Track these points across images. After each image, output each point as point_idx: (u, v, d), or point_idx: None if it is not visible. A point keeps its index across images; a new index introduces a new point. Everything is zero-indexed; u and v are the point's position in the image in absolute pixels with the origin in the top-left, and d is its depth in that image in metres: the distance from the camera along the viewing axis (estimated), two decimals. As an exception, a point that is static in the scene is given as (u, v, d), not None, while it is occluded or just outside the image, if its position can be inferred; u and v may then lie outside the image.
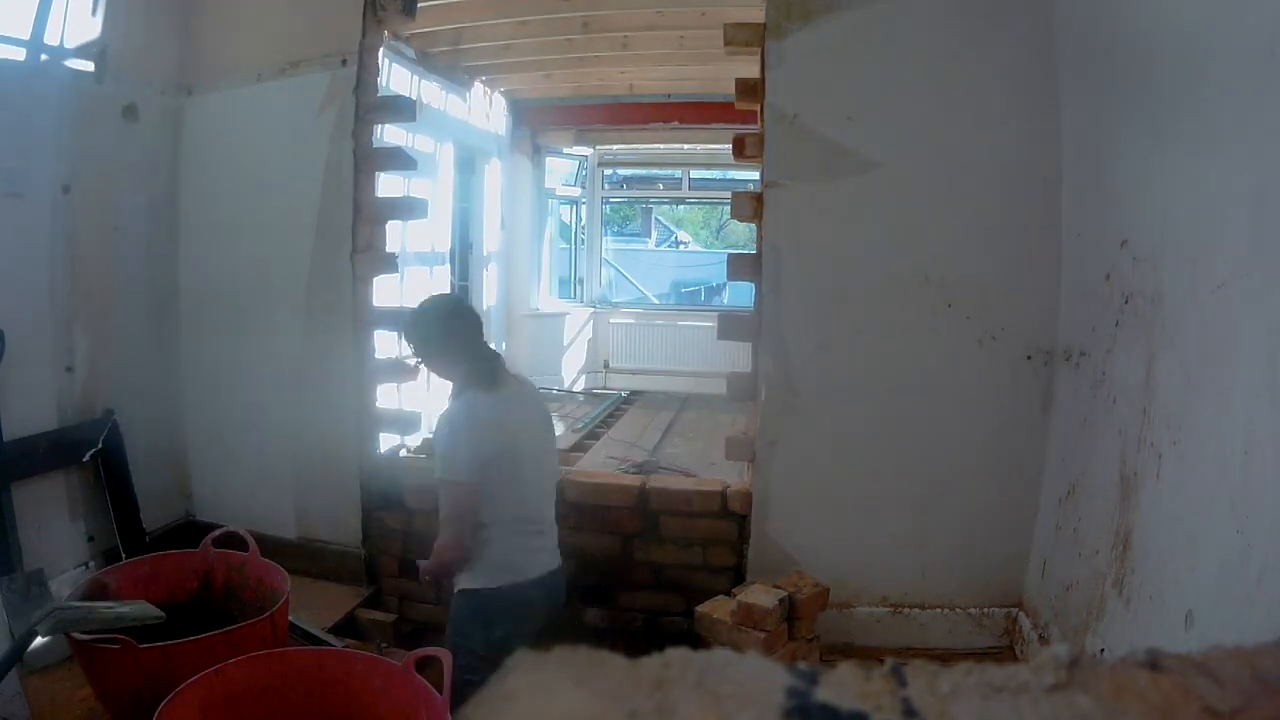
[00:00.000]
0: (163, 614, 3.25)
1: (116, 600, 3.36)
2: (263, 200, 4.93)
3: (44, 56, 4.32)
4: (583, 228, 13.24)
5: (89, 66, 4.55)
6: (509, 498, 3.15)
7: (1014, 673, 0.43)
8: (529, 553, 3.23)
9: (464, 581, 3.18)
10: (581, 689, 0.42)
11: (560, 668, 0.44)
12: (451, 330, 3.24)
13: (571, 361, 12.00)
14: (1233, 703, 0.40)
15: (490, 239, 10.42)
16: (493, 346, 3.35)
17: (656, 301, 15.03)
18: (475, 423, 3.12)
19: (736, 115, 5.08)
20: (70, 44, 4.43)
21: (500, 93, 10.32)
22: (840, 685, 0.42)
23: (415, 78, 8.02)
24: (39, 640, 3.08)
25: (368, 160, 4.70)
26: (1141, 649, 0.44)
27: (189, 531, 5.12)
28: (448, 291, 3.54)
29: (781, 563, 4.27)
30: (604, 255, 13.73)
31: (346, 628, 4.45)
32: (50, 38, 4.32)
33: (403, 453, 5.24)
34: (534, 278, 11.69)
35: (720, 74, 8.89)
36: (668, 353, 12.26)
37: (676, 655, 0.46)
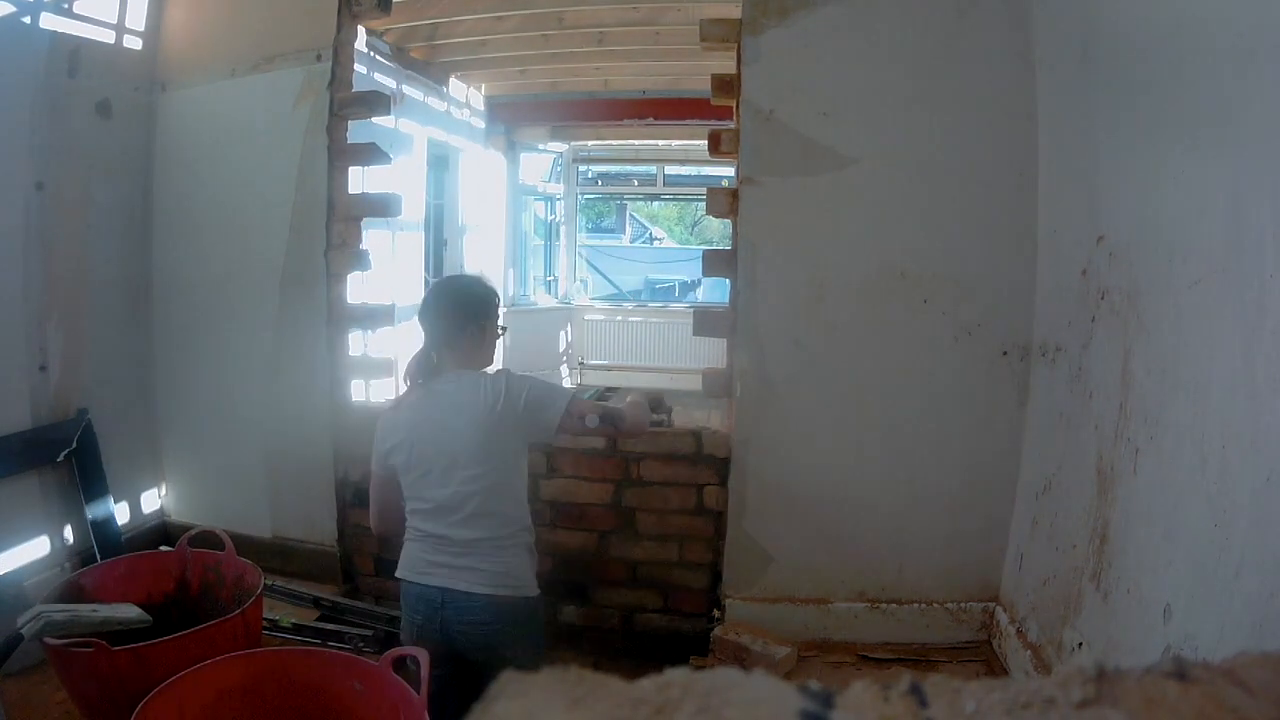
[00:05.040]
0: (149, 617, 3.23)
1: (93, 602, 3.33)
2: (237, 197, 4.89)
3: (27, 18, 4.29)
4: (557, 224, 13.23)
5: (85, 30, 4.56)
6: (408, 497, 3.03)
7: (1039, 688, 0.41)
8: (414, 556, 3.04)
9: None
10: (575, 713, 0.40)
11: (549, 692, 0.42)
12: (420, 312, 3.13)
13: (549, 358, 12.00)
14: (1267, 712, 0.39)
15: (465, 235, 10.38)
16: (455, 357, 3.10)
17: (631, 298, 15.03)
18: (384, 419, 3.10)
19: (711, 111, 5.08)
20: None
21: (475, 88, 10.29)
22: (858, 708, 0.40)
23: (391, 73, 7.98)
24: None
25: (342, 156, 4.66)
26: (1169, 658, 0.43)
27: (164, 531, 5.10)
28: (472, 273, 3.34)
29: (758, 559, 4.27)
30: (579, 251, 13.72)
31: (323, 628, 4.42)
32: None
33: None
34: (520, 274, 11.72)
35: (695, 70, 8.92)
36: (642, 349, 12.28)
37: (678, 676, 0.44)
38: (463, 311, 3.07)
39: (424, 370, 3.08)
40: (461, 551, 2.95)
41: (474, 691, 2.57)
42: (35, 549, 4.30)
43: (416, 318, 3.11)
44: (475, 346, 3.09)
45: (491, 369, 3.11)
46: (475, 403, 2.93)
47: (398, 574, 3.07)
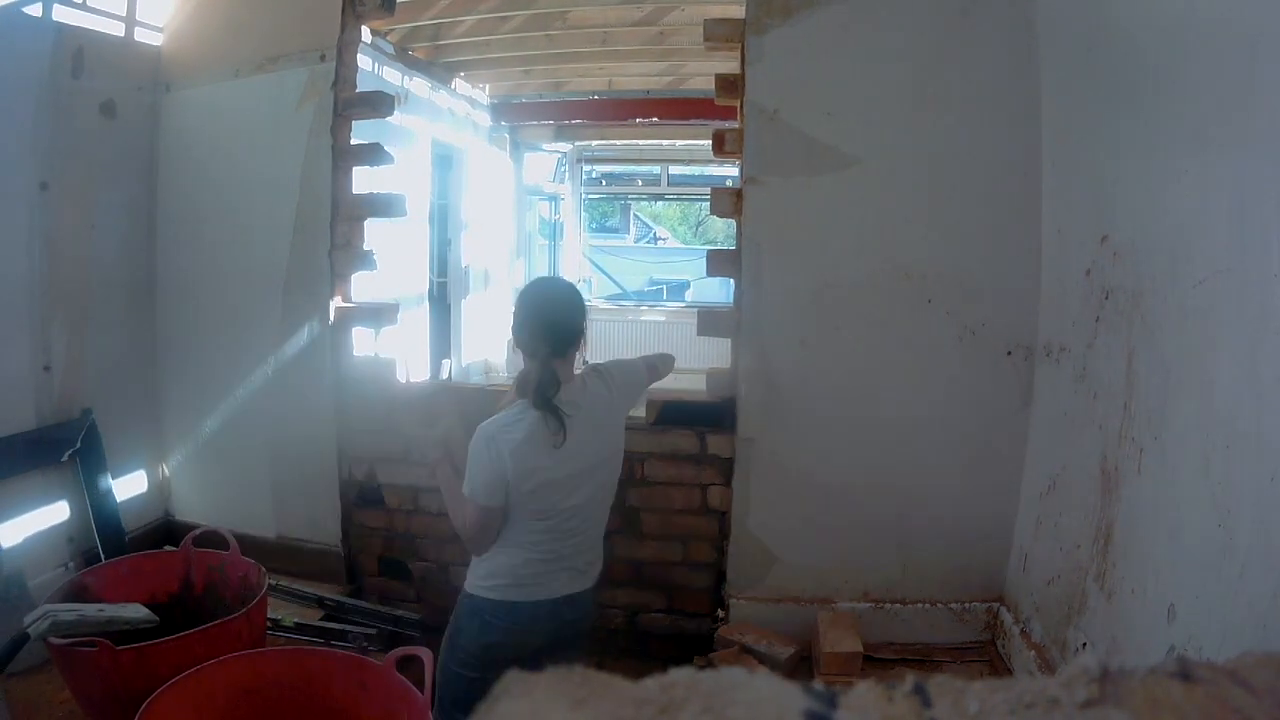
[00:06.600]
0: (155, 617, 3.23)
1: (98, 601, 3.33)
2: (241, 197, 4.89)
3: (32, 10, 4.31)
4: (561, 224, 13.24)
5: (94, 21, 4.62)
6: (525, 517, 2.87)
7: (1044, 688, 0.41)
8: (540, 574, 2.92)
9: (469, 583, 2.97)
10: (579, 712, 0.40)
11: (554, 691, 0.42)
12: (532, 323, 2.92)
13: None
14: (1271, 712, 0.39)
15: (469, 235, 10.38)
16: (571, 365, 3.00)
17: (634, 298, 15.05)
18: (496, 446, 2.80)
19: (715, 111, 5.07)
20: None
21: (479, 88, 10.30)
22: (862, 708, 0.40)
23: (395, 73, 7.98)
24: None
25: (345, 156, 4.66)
26: (1173, 658, 0.43)
27: (168, 531, 5.10)
28: (561, 276, 3.24)
29: (762, 559, 4.27)
30: (583, 251, 13.73)
31: (327, 627, 4.43)
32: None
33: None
34: (526, 273, 11.75)
35: (700, 70, 8.93)
36: (647, 348, 12.25)
37: (682, 676, 0.44)
38: (583, 320, 3.05)
39: (539, 386, 2.85)
40: (582, 549, 3.03)
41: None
42: (40, 548, 4.31)
43: (528, 327, 2.92)
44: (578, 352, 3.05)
45: (578, 372, 3.08)
46: (606, 412, 3.06)
47: (495, 595, 2.91)
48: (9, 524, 4.14)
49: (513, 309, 3.01)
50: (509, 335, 3.10)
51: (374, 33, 6.96)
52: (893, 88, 4.05)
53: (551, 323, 2.90)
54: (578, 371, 3.05)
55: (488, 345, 10.99)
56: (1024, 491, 4.08)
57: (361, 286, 4.90)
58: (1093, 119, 3.42)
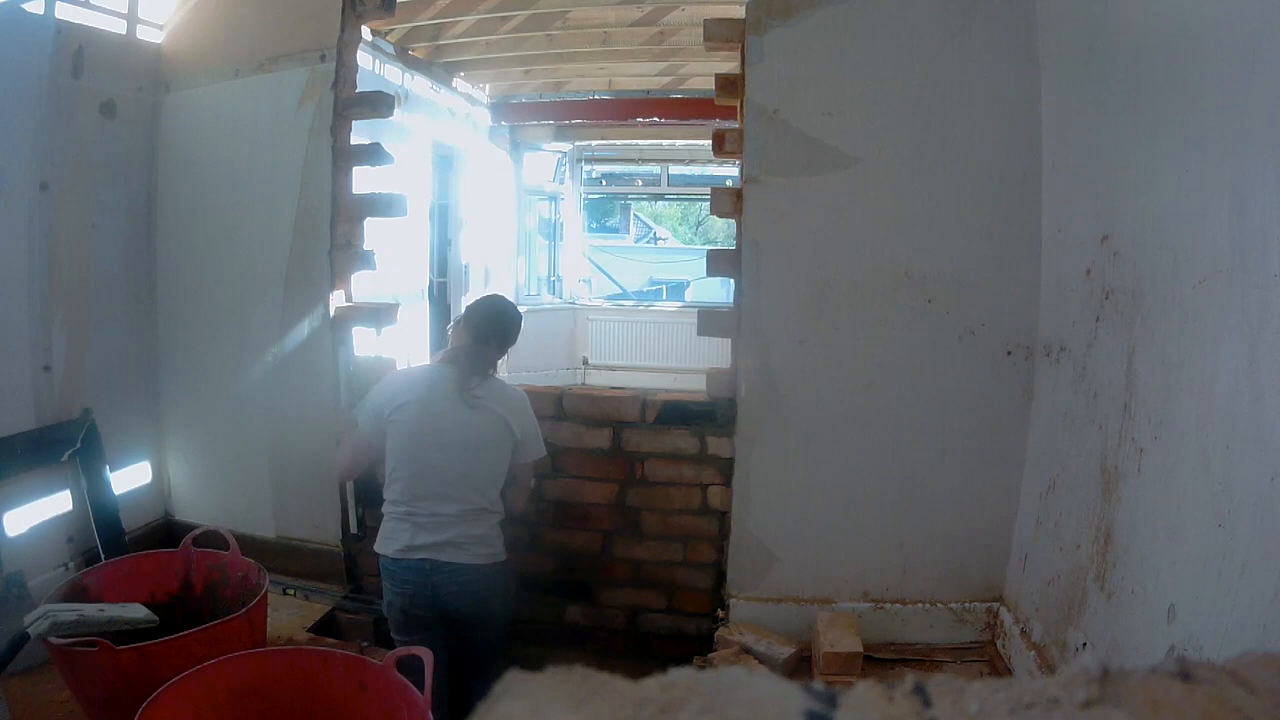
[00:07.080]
0: (156, 617, 3.22)
1: (98, 601, 3.33)
2: (241, 197, 4.89)
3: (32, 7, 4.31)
4: (561, 224, 13.24)
5: (95, 19, 4.62)
6: (392, 469, 3.45)
7: (1044, 688, 0.41)
8: (396, 531, 3.44)
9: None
10: (579, 713, 0.40)
11: (554, 691, 0.42)
12: (471, 324, 3.62)
13: (556, 357, 11.98)
14: (1271, 712, 0.39)
15: (469, 234, 10.38)
16: (485, 352, 3.61)
17: (634, 298, 15.07)
18: (389, 380, 3.62)
19: (715, 111, 5.07)
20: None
21: (479, 88, 10.30)
22: (862, 708, 0.40)
23: (396, 73, 7.98)
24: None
25: (345, 156, 4.66)
26: (1173, 658, 0.43)
27: (168, 531, 5.10)
28: (503, 296, 3.97)
29: (762, 559, 4.27)
30: (583, 251, 13.74)
31: (327, 627, 4.43)
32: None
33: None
34: (528, 272, 11.75)
35: (700, 70, 8.94)
36: (646, 348, 12.26)
37: (682, 676, 0.44)
38: (514, 338, 3.72)
39: (469, 362, 3.54)
40: (431, 520, 3.42)
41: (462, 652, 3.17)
42: (39, 548, 4.31)
43: (476, 322, 3.63)
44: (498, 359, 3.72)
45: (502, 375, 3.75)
46: (497, 416, 3.50)
47: (378, 550, 3.51)
48: (9, 524, 4.13)
49: (465, 312, 3.77)
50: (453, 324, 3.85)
51: (374, 32, 6.96)
52: (893, 88, 4.05)
53: (493, 328, 3.64)
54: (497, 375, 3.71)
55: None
56: (1024, 491, 4.07)
57: (362, 286, 4.90)
58: (1093, 118, 3.42)
